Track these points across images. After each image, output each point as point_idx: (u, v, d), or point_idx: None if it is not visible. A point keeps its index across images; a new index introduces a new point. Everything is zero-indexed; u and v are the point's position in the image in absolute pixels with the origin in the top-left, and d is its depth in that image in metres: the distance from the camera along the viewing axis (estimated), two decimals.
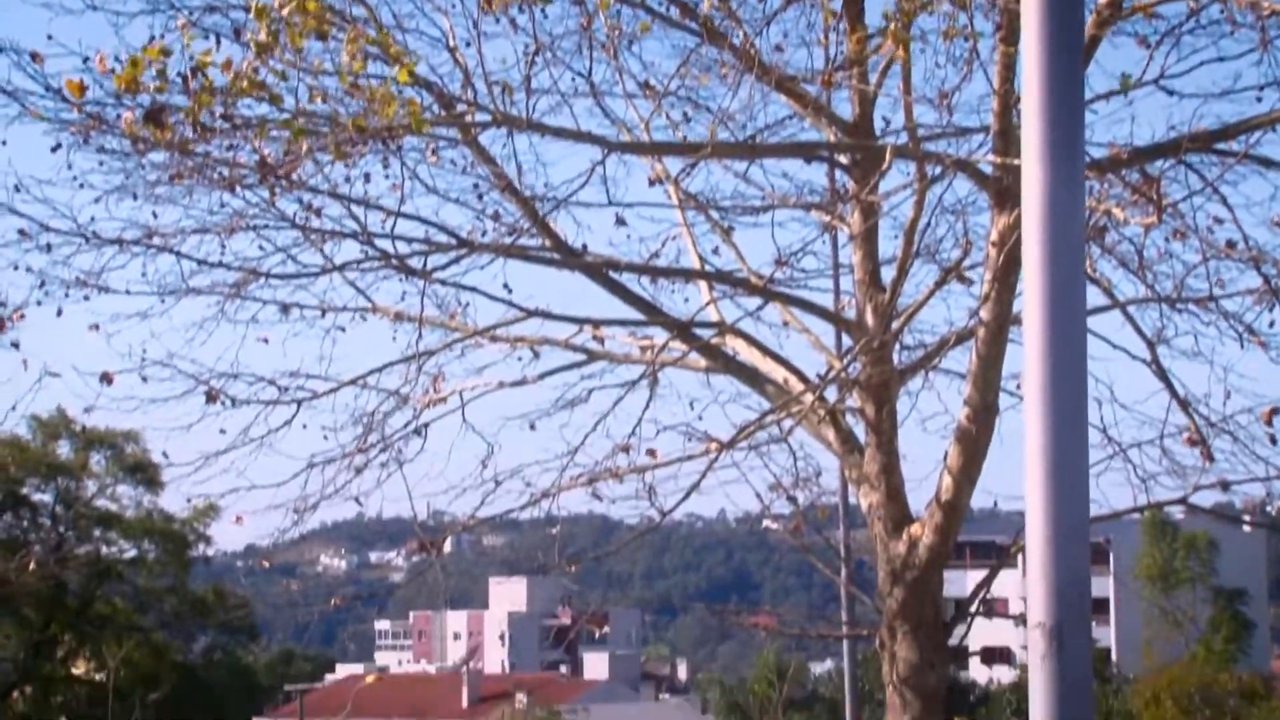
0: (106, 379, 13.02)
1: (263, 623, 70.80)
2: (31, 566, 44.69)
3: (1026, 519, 3.65)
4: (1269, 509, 15.75)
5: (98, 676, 47.86)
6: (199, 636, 56.91)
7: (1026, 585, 3.69)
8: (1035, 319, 3.79)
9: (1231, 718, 41.44)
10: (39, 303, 12.75)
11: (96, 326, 13.16)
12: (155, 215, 12.67)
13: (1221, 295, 12.87)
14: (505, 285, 13.25)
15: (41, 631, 50.25)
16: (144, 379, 13.33)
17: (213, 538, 54.10)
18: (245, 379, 13.59)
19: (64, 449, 51.01)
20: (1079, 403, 3.78)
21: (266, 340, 13.55)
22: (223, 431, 13.68)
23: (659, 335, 13.69)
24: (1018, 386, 13.60)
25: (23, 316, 12.74)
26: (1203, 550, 65.67)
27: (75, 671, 51.46)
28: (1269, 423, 13.04)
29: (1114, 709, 42.19)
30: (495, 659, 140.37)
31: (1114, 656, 70.00)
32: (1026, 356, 3.77)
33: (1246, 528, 37.90)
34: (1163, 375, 13.07)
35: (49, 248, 12.50)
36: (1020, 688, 51.13)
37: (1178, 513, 46.68)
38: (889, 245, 13.31)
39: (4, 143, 11.68)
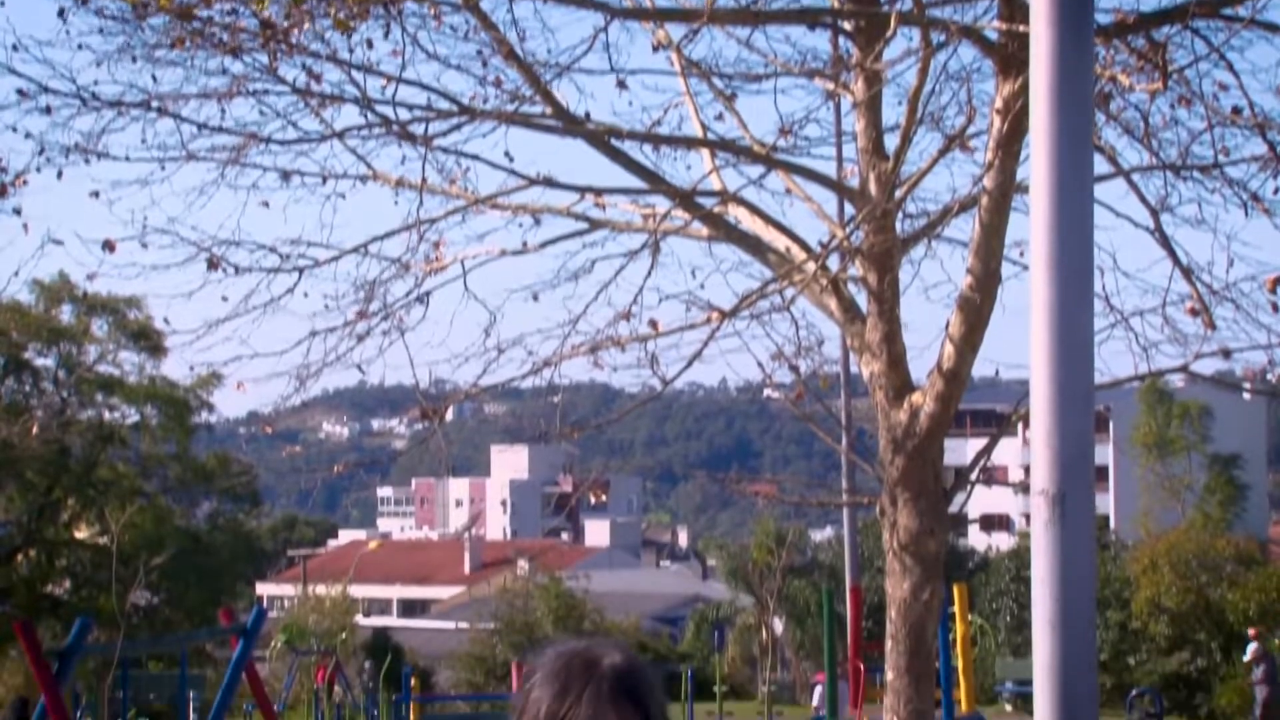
0: (108, 246, 13.00)
1: (265, 489, 71.17)
2: (35, 431, 44.87)
3: (1031, 386, 3.65)
4: (1270, 376, 15.77)
5: (101, 540, 48.21)
6: (202, 502, 57.23)
7: (1030, 452, 3.69)
8: (1042, 183, 3.76)
9: (1228, 582, 41.75)
10: (39, 169, 12.70)
11: (97, 194, 13.12)
12: (155, 79, 12.59)
13: (1226, 162, 12.82)
14: (506, 153, 13.19)
15: (45, 495, 50.54)
16: (145, 246, 13.32)
17: (215, 405, 54.30)
18: (246, 246, 13.57)
19: (66, 314, 51.07)
20: (1085, 268, 3.77)
21: (267, 204, 13.49)
22: (224, 299, 13.67)
23: (661, 204, 13.64)
24: (1020, 254, 13.58)
25: (25, 182, 12.69)
26: (1196, 418, 65.91)
27: (79, 535, 51.80)
28: (1272, 290, 13.04)
29: (1112, 575, 42.48)
30: (497, 526, 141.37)
31: (1113, 524, 70.45)
32: (1033, 221, 3.75)
33: (1246, 395, 37.94)
34: (1166, 243, 13.04)
35: (48, 110, 12.43)
36: (1019, 555, 51.52)
37: (1178, 381, 46.71)
38: (892, 113, 13.25)
39: (2, 3, 11.58)
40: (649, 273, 13.69)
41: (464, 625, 61.22)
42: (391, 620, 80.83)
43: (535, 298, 14.12)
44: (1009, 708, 38.97)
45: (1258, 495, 78.49)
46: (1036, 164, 3.84)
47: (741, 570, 55.83)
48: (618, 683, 2.47)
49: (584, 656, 2.49)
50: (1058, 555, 3.44)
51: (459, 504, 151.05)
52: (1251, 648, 31.62)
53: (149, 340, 49.78)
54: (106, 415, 52.63)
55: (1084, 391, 3.65)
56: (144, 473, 53.31)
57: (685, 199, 13.31)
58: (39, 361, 51.27)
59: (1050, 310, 3.66)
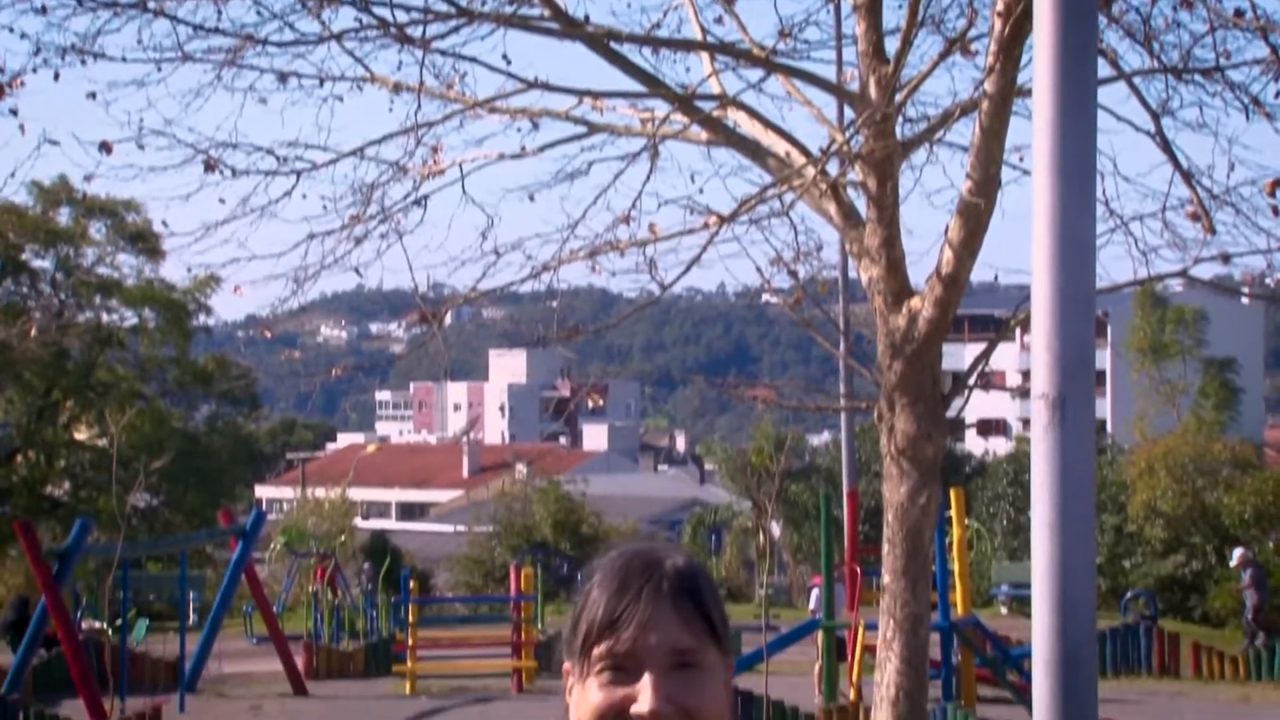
0: (105, 148, 12.96)
1: (264, 392, 71.24)
2: (33, 333, 44.86)
3: (1032, 290, 3.64)
4: (1268, 281, 15.76)
5: (100, 442, 48.30)
6: (201, 405, 57.31)
7: (1029, 356, 3.69)
8: (1045, 87, 3.74)
9: (1224, 486, 41.87)
10: (35, 70, 12.63)
11: (94, 95, 13.06)
12: None
13: (1228, 65, 12.75)
14: (504, 56, 13.12)
15: (44, 397, 50.59)
16: (141, 147, 13.28)
17: (213, 308, 54.25)
18: (244, 149, 13.53)
19: (64, 216, 50.93)
20: (1087, 172, 3.76)
21: (265, 101, 13.42)
22: (222, 201, 13.65)
23: (660, 107, 13.59)
24: (1021, 159, 13.54)
25: (21, 84, 12.63)
26: (1191, 323, 65.96)
27: (78, 437, 51.92)
28: (1271, 194, 13.01)
29: (1108, 479, 42.60)
30: (495, 430, 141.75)
31: (1109, 428, 70.63)
32: (1035, 125, 3.73)
33: (1245, 300, 37.89)
34: (1167, 147, 13.00)
35: (44, 10, 12.35)
36: (1016, 459, 51.67)
37: (1176, 285, 46.72)
38: (893, 15, 13.19)
39: None
40: (648, 177, 13.67)
41: (462, 529, 61.47)
42: (390, 523, 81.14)
43: (531, 198, 14.11)
44: (1005, 610, 39.22)
45: (1254, 399, 78.68)
46: (1039, 67, 3.81)
47: (739, 473, 55.97)
48: (679, 582, 2.47)
49: (645, 557, 2.49)
50: (1057, 459, 3.44)
51: (457, 408, 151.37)
52: (1237, 553, 31.81)
53: (147, 243, 49.70)
54: (104, 318, 52.60)
55: (1085, 296, 3.64)
56: (143, 375, 53.33)
57: (684, 103, 13.25)
58: (36, 263, 51.20)
59: (1052, 214, 3.64)
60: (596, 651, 2.43)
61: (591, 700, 2.42)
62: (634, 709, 2.39)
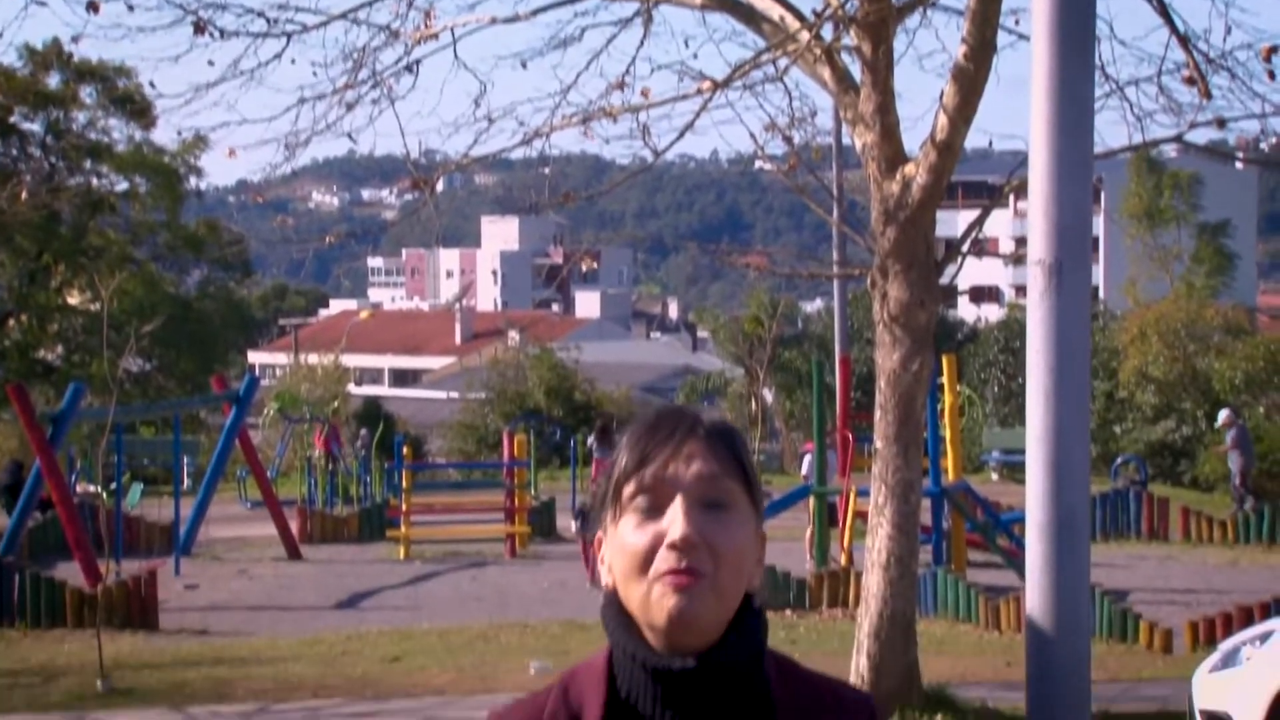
0: (92, 7, 12.83)
1: (256, 258, 71.05)
2: (24, 196, 44.63)
3: (1030, 155, 3.61)
4: (1262, 145, 15.71)
5: (92, 307, 48.26)
6: (192, 270, 57.21)
7: (1027, 222, 3.67)
8: None
9: (1215, 351, 41.94)
10: None
11: None
12: None
13: None
14: None
15: (35, 260, 50.48)
16: (130, 8, 13.14)
17: (204, 170, 54.02)
18: (233, 10, 13.39)
19: (54, 80, 50.52)
20: (1086, 36, 3.71)
21: None
22: (211, 64, 13.54)
23: None
24: (1016, 22, 13.43)
25: None
26: (1187, 188, 65.75)
27: (70, 302, 51.88)
28: (1267, 59, 12.92)
29: (1100, 345, 42.63)
30: (487, 297, 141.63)
31: (1102, 294, 70.69)
32: None
33: (1239, 164, 37.75)
34: (1163, 10, 12.88)
35: None
36: (1008, 326, 51.73)
37: (1171, 150, 46.40)
38: None
39: None
40: (641, 42, 13.57)
41: (455, 395, 61.61)
42: (383, 390, 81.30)
43: (524, 65, 14.01)
44: (995, 476, 39.42)
45: (1246, 264, 78.64)
46: None
47: (733, 341, 56.00)
48: (713, 428, 2.46)
49: (678, 409, 2.49)
50: (1053, 325, 3.43)
51: (449, 275, 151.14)
52: (1223, 414, 31.94)
53: (136, 106, 49.36)
54: (95, 183, 52.36)
55: (1083, 161, 3.62)
56: (134, 240, 53.18)
57: None
58: (25, 126, 50.87)
59: (1050, 79, 3.61)
60: (627, 491, 2.41)
61: (624, 542, 2.39)
62: (664, 541, 2.38)
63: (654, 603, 2.37)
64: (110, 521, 23.46)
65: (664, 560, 2.37)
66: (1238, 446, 30.60)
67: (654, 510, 2.40)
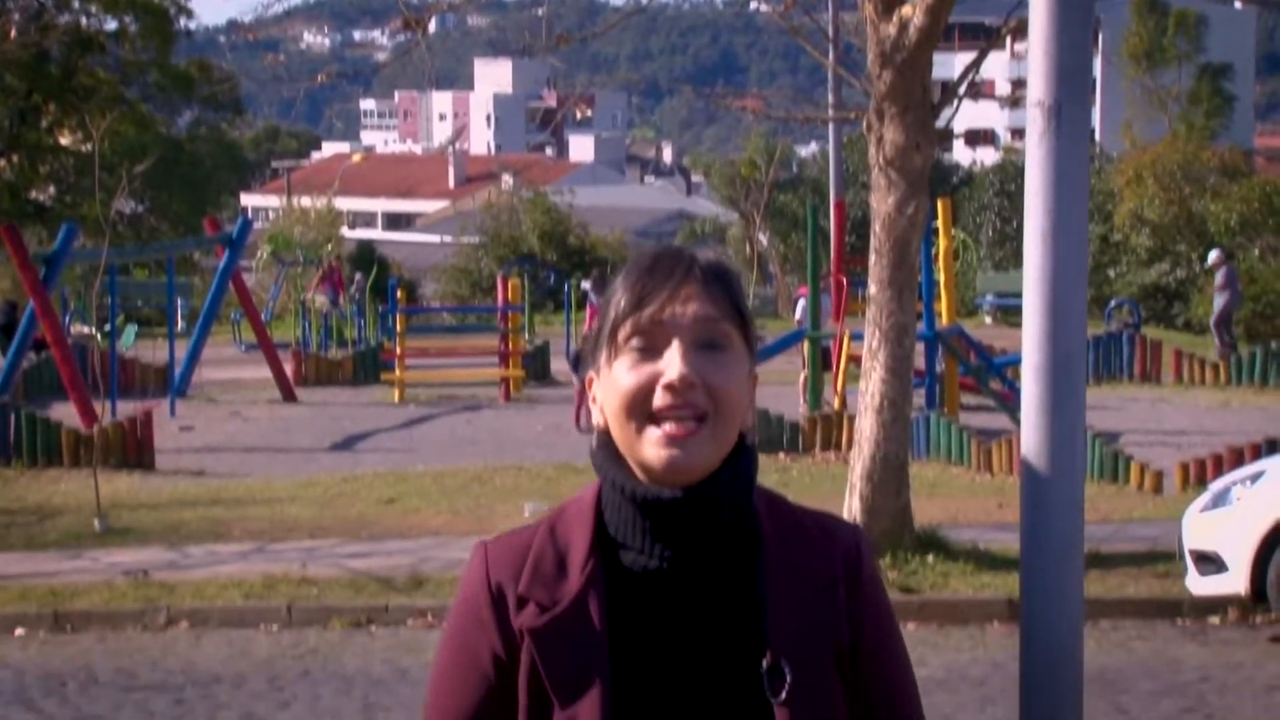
0: None
1: (247, 98, 70.53)
2: (12, 34, 44.22)
3: None
4: None
5: (84, 148, 47.99)
6: (184, 110, 56.82)
7: (1027, 62, 3.63)
8: None
9: (1211, 194, 41.81)
10: None
11: None
12: None
13: None
14: None
15: (25, 100, 50.09)
16: None
17: (193, 11, 53.36)
18: None
19: None
20: None
21: None
22: None
23: None
24: None
25: None
26: (1191, 27, 65.16)
27: (62, 142, 51.54)
28: None
29: (1095, 188, 42.50)
30: (481, 140, 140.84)
31: (1098, 136, 70.34)
32: None
33: (1238, 4, 37.41)
34: None
35: None
36: (1004, 169, 51.53)
37: None
38: None
39: None
40: None
41: (448, 239, 61.47)
42: (376, 233, 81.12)
43: None
44: (989, 320, 39.49)
45: (1244, 106, 78.18)
46: None
47: (728, 184, 55.82)
48: (709, 267, 2.46)
49: (674, 249, 2.49)
50: (1052, 167, 3.41)
51: (442, 118, 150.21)
52: (1214, 254, 32.02)
53: None
54: (84, 21, 51.81)
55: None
56: (124, 80, 52.72)
57: None
58: None
59: None
60: (623, 332, 2.41)
61: (619, 383, 2.41)
62: (661, 381, 2.40)
63: (647, 446, 2.39)
64: (105, 363, 23.51)
65: (661, 399, 2.38)
66: (1227, 285, 30.73)
67: (650, 351, 2.40)
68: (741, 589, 2.44)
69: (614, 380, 2.41)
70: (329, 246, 46.89)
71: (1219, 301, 30.78)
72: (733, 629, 2.43)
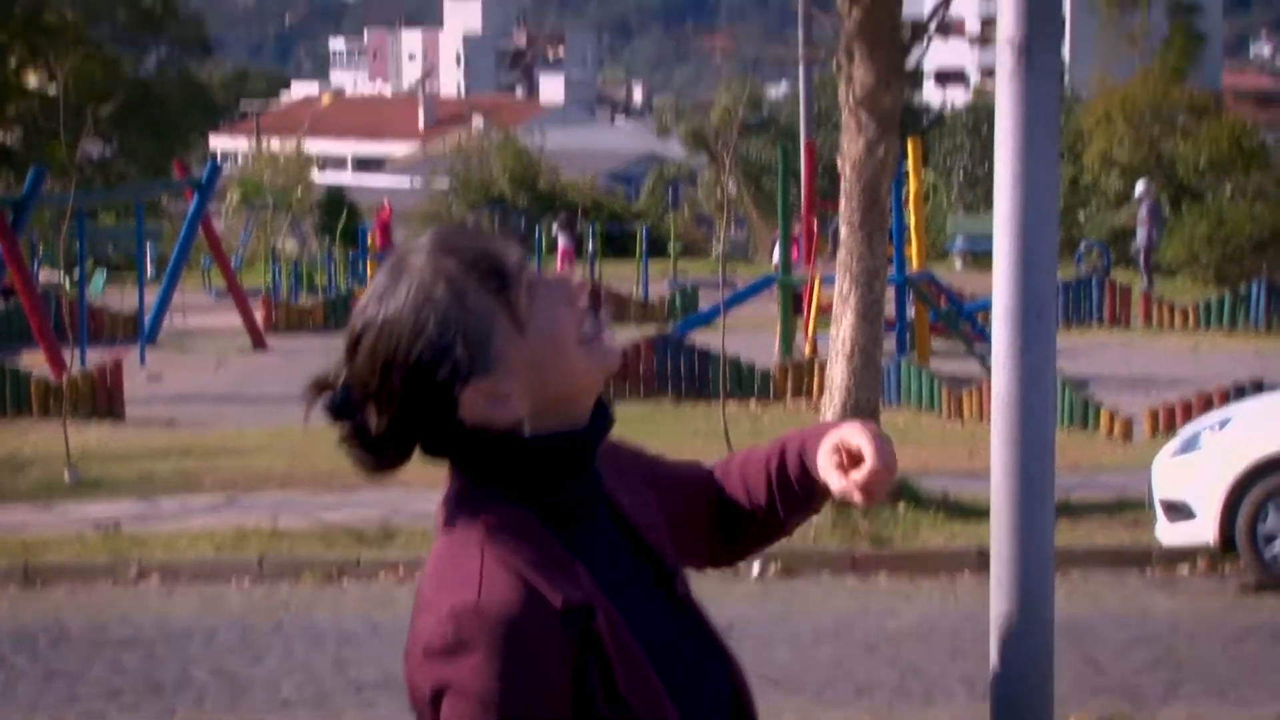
0: None
1: (216, 38, 70.11)
2: None
3: None
4: None
5: (50, 89, 47.63)
6: (151, 50, 56.45)
7: (997, 1, 3.56)
8: None
9: (1181, 133, 41.81)
10: None
11: None
12: None
13: None
14: None
15: None
16: None
17: None
18: None
19: None
20: None
21: None
22: None
23: None
24: None
25: None
26: None
27: (27, 85, 51.16)
28: None
29: (1064, 129, 42.43)
30: (450, 81, 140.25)
31: (1067, 78, 70.29)
32: None
33: None
34: None
35: None
36: (974, 110, 51.47)
37: None
38: None
39: None
40: None
41: (418, 183, 61.24)
42: (345, 176, 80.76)
43: None
44: (959, 264, 39.48)
45: (1212, 45, 78.16)
46: None
47: (698, 132, 55.53)
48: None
49: (459, 229, 2.45)
50: (1022, 107, 3.34)
51: (412, 58, 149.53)
52: (1140, 184, 32.29)
53: None
54: None
55: None
56: (90, 18, 52.31)
57: None
58: None
59: None
60: (523, 295, 2.34)
61: (558, 322, 2.35)
62: (580, 304, 2.37)
63: (603, 353, 2.37)
64: (74, 310, 23.35)
65: (593, 324, 2.37)
66: (1149, 219, 31.05)
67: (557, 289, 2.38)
68: (613, 510, 2.46)
69: (552, 323, 2.34)
70: (299, 191, 46.65)
71: (1139, 234, 31.12)
72: (636, 550, 2.45)
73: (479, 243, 2.36)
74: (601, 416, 2.41)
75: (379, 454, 2.37)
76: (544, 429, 2.34)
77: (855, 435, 2.61)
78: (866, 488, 2.57)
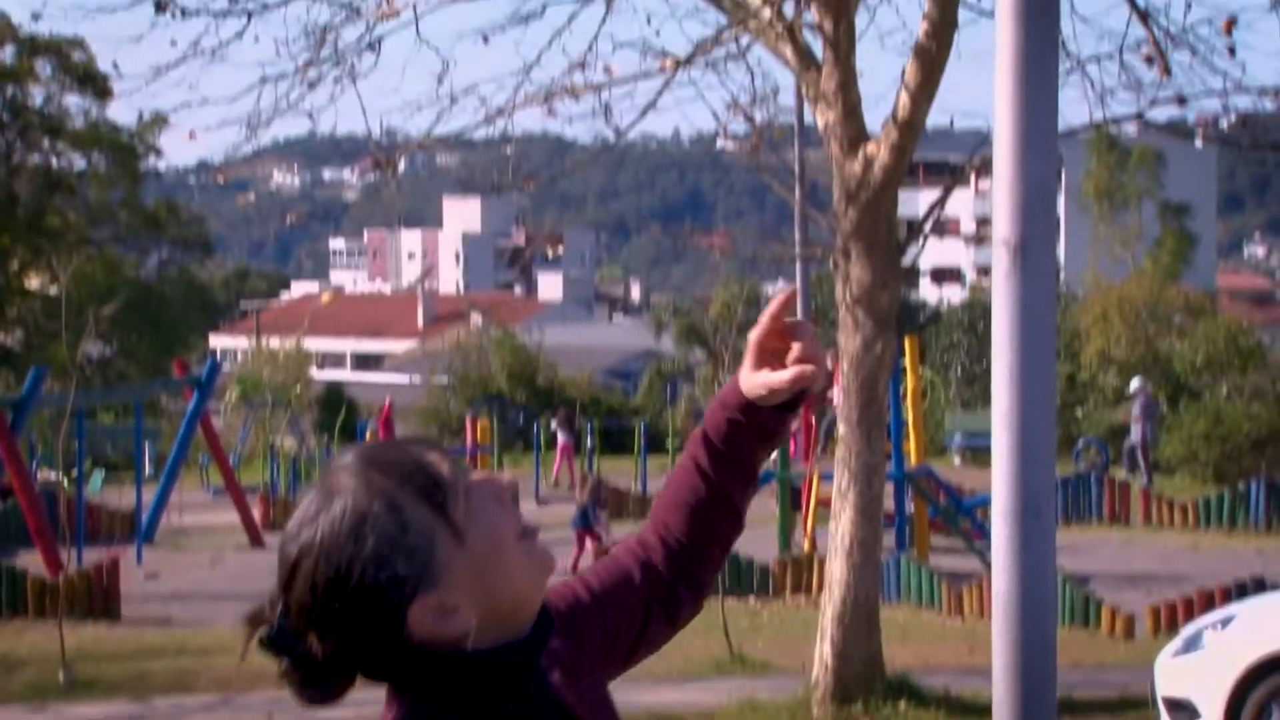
0: None
1: (216, 239, 70.84)
2: None
3: (994, 132, 3.55)
4: (1222, 124, 15.73)
5: (52, 290, 47.95)
6: (152, 251, 56.95)
7: (992, 200, 3.60)
8: None
9: (1177, 333, 42.09)
10: None
11: None
12: None
13: None
14: None
15: None
16: None
17: (163, 150, 53.78)
18: None
19: (8, 55, 50.08)
20: (1050, 10, 3.65)
21: None
22: (173, 43, 13.43)
23: None
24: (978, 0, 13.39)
25: None
26: (1151, 163, 65.87)
27: (29, 286, 51.52)
28: (1228, 33, 12.93)
29: (1061, 327, 42.73)
30: (450, 279, 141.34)
31: (1062, 275, 70.86)
32: None
33: (1199, 143, 37.96)
34: None
35: None
36: (970, 307, 51.80)
37: (1131, 129, 46.61)
38: None
39: None
40: (603, 19, 13.50)
41: (417, 379, 61.43)
42: (345, 374, 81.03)
43: (486, 40, 13.94)
44: (958, 460, 39.46)
45: (1206, 245, 78.94)
46: None
47: (696, 329, 55.86)
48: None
49: (390, 447, 2.41)
50: (1019, 305, 3.37)
51: (411, 256, 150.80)
52: (1135, 381, 32.46)
53: (95, 83, 49.04)
54: (54, 162, 52.00)
55: (1047, 137, 3.55)
56: (92, 221, 52.86)
57: None
58: None
59: (1014, 55, 3.54)
60: (460, 505, 2.29)
61: (500, 527, 2.30)
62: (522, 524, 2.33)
63: (541, 554, 2.32)
64: (71, 509, 23.30)
65: (526, 524, 2.32)
66: (1144, 415, 31.15)
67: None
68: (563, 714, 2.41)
69: (491, 530, 2.31)
70: (297, 389, 46.80)
71: (1136, 432, 31.18)
72: None
73: (410, 455, 2.29)
74: (543, 624, 2.35)
75: (322, 684, 2.30)
76: (486, 641, 2.27)
77: (761, 329, 2.59)
78: (805, 358, 2.55)
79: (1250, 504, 26.39)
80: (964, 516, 22.80)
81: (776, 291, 2.93)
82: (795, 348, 2.57)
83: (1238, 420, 32.07)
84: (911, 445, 23.05)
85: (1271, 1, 12.70)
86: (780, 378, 2.55)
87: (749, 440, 2.63)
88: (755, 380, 2.58)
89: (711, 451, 2.64)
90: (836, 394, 13.16)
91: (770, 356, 2.59)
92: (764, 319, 2.60)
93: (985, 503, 19.98)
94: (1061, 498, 26.73)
